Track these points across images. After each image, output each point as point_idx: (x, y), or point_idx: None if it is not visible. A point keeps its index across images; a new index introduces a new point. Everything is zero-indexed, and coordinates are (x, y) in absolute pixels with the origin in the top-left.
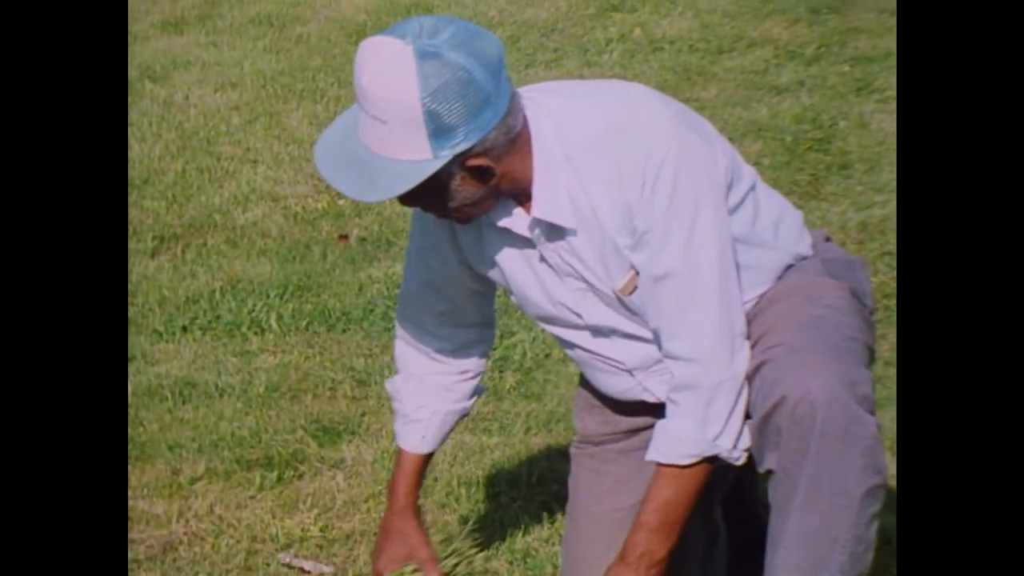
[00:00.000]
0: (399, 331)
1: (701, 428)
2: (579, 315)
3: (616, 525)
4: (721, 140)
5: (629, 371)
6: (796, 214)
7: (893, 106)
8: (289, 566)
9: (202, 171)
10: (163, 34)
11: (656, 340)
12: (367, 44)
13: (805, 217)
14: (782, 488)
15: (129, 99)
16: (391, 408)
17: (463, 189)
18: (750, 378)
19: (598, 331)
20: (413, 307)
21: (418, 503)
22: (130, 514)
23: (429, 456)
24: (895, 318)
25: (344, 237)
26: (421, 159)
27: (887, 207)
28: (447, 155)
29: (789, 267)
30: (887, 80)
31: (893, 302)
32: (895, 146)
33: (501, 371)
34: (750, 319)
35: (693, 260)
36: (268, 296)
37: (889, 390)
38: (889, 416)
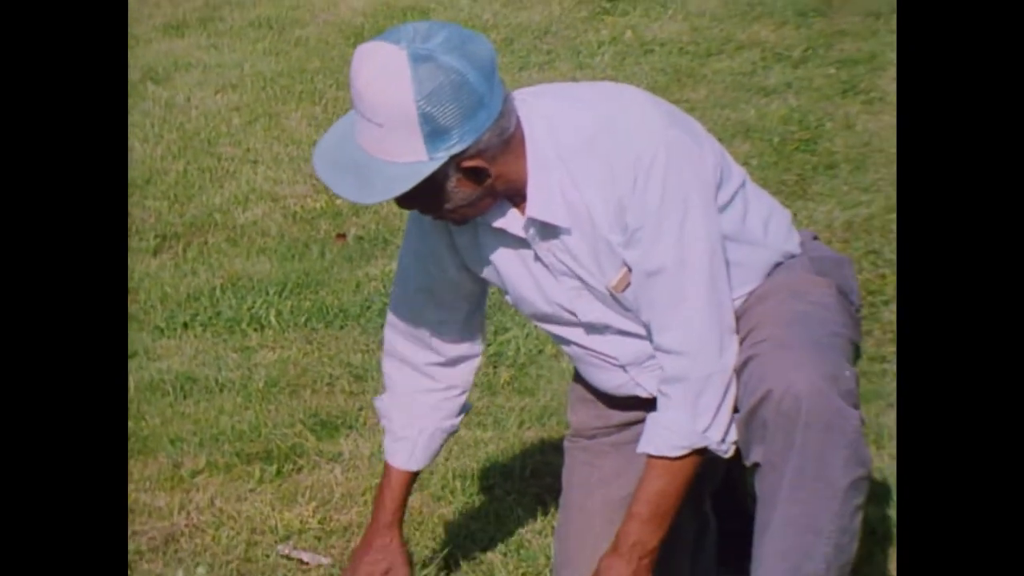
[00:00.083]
0: (388, 345)
1: (691, 420)
2: (574, 313)
3: (609, 517)
4: (711, 140)
5: (622, 367)
6: (785, 213)
7: (878, 107)
8: (288, 557)
9: (203, 171)
10: (165, 37)
11: (648, 335)
12: (362, 49)
13: (792, 216)
14: (768, 480)
15: (132, 100)
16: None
17: (459, 190)
18: (738, 373)
19: (592, 328)
20: (405, 317)
21: (403, 520)
22: (133, 507)
23: (417, 473)
24: (879, 314)
25: (342, 236)
26: (417, 161)
27: (872, 206)
28: (442, 156)
29: (778, 265)
30: (872, 82)
31: (877, 299)
32: (880, 147)
33: (495, 366)
34: (739, 315)
35: (684, 255)
36: (267, 293)
37: (875, 385)
38: (875, 410)
